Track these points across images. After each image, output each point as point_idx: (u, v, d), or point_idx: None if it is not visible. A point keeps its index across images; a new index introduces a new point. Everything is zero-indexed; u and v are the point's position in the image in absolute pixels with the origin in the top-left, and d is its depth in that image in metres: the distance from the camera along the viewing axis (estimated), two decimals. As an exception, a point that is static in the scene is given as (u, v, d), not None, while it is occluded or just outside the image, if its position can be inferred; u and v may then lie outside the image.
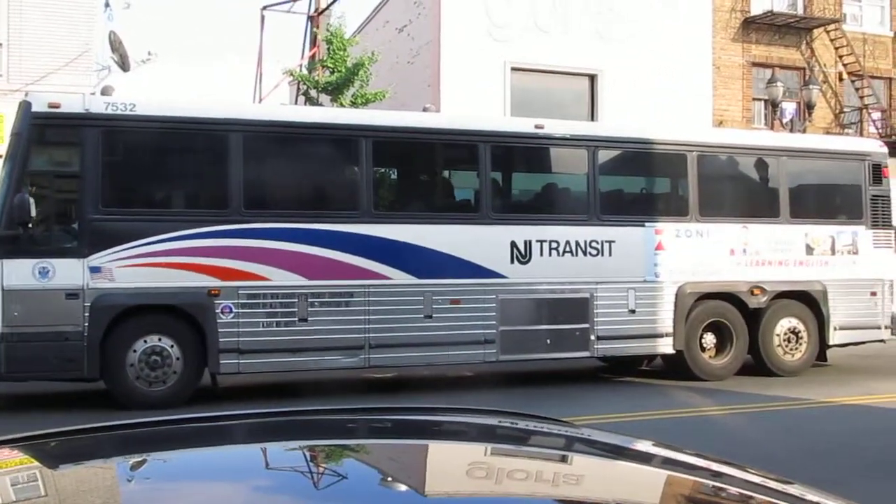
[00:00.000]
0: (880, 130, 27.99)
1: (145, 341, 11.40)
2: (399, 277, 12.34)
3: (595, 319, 13.24)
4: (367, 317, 12.13)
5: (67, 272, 10.99)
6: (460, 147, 13.59)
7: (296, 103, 25.37)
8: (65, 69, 19.30)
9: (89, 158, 11.28)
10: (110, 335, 11.16)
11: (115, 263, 11.17)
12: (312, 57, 24.10)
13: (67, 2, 20.09)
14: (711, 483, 2.12)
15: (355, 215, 12.33)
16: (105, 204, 11.30)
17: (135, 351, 11.33)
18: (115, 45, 20.95)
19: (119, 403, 11.14)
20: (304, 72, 23.49)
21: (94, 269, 11.09)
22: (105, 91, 12.33)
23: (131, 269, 11.24)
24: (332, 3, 24.49)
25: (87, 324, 11.02)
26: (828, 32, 28.16)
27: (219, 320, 11.55)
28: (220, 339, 11.55)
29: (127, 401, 11.15)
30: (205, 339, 11.54)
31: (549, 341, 13.09)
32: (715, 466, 2.20)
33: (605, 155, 13.89)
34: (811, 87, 24.64)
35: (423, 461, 2.23)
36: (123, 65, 21.24)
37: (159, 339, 11.47)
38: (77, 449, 2.28)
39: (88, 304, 11.03)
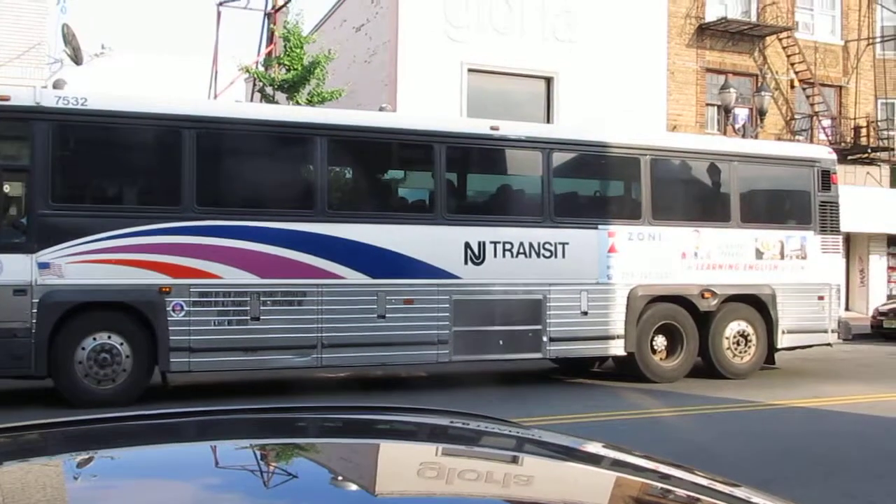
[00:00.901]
0: (830, 137, 28.43)
1: (94, 339, 11.26)
2: (353, 277, 12.30)
3: (547, 321, 13.30)
4: (319, 316, 12.08)
5: (15, 268, 10.81)
6: (416, 147, 13.54)
7: (251, 100, 25.22)
8: (16, 62, 19.03)
9: (39, 153, 11.11)
10: (59, 332, 11.00)
11: (65, 259, 11.01)
12: (269, 54, 23.96)
13: (19, -7, 19.82)
14: (660, 485, 2.13)
15: (309, 214, 12.27)
16: (55, 199, 11.14)
17: (84, 348, 11.19)
18: (68, 38, 20.68)
19: (67, 402, 11.00)
20: (261, 69, 23.35)
21: (43, 266, 10.93)
22: (57, 85, 12.16)
23: (81, 265, 11.08)
24: (289, 1, 24.38)
25: (35, 321, 10.85)
26: (780, 40, 28.56)
27: (170, 318, 11.42)
28: (171, 337, 11.43)
29: (75, 399, 11.00)
30: (155, 336, 11.42)
31: (501, 342, 13.12)
32: (663, 468, 2.21)
33: (559, 157, 13.94)
34: (763, 93, 25.00)
35: (375, 461, 2.22)
36: (76, 58, 20.98)
37: (109, 337, 11.33)
38: (22, 446, 2.25)
39: (37, 301, 10.86)
